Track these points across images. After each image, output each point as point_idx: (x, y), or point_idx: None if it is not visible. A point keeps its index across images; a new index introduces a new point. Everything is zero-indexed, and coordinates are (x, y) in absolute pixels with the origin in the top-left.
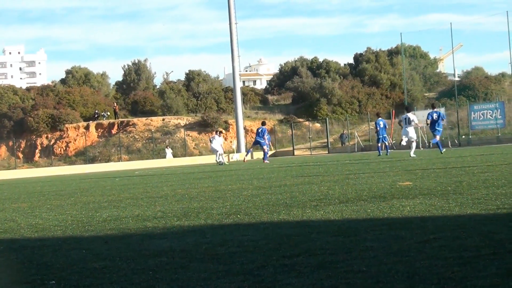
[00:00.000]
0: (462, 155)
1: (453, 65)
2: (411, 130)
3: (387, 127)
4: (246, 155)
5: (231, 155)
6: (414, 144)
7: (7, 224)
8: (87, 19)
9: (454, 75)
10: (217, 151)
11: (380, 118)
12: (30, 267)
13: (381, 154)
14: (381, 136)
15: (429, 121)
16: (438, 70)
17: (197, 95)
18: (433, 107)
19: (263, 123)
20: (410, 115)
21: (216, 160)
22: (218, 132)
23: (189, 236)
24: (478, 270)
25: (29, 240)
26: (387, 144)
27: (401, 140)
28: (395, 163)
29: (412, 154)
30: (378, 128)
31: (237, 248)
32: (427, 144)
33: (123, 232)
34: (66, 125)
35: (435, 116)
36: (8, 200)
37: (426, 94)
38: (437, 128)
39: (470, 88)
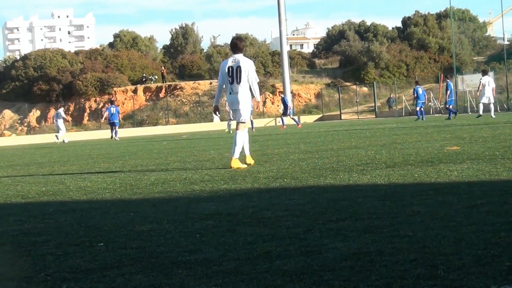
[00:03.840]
0: (511, 120)
1: (502, 28)
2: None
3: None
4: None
5: (277, 119)
6: (492, 106)
7: (57, 186)
8: None
9: (503, 38)
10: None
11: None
12: (78, 229)
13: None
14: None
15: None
16: (487, 34)
17: None
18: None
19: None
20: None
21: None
22: None
23: (236, 200)
24: None
25: (78, 203)
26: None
27: (482, 103)
28: (443, 127)
29: (492, 115)
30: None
31: (283, 212)
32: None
33: (171, 195)
34: (114, 89)
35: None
36: (57, 162)
37: (474, 58)
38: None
39: None
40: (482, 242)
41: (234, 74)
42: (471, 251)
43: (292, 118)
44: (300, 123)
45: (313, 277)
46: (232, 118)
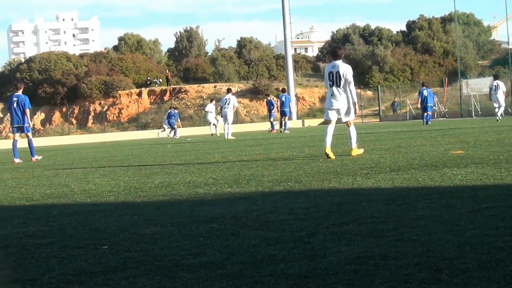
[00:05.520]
0: None
1: (507, 32)
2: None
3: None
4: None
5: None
6: (502, 108)
7: (61, 189)
8: None
9: (508, 43)
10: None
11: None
12: (83, 232)
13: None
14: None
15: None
16: (491, 38)
17: (249, 62)
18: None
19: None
20: (500, 82)
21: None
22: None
23: (240, 203)
24: None
25: (82, 205)
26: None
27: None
28: (447, 131)
29: (499, 116)
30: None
31: (287, 215)
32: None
33: (175, 198)
34: (119, 92)
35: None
36: (61, 165)
37: (479, 62)
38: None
39: None
40: (486, 246)
41: (334, 78)
42: (475, 255)
43: (270, 122)
44: (274, 129)
45: (317, 280)
46: (213, 122)
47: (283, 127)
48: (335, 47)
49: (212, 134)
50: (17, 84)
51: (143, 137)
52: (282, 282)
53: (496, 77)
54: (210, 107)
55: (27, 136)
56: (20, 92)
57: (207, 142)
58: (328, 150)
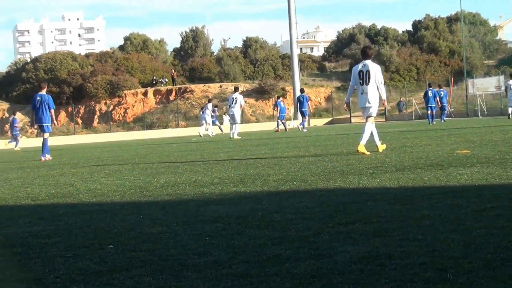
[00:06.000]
0: None
1: None
2: None
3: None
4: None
5: (288, 122)
6: None
7: (66, 189)
8: None
9: None
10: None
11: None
12: (88, 232)
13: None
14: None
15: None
16: (497, 37)
17: (254, 62)
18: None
19: (302, 90)
20: None
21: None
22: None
23: (246, 203)
24: None
25: (88, 205)
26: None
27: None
28: (453, 131)
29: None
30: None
31: (293, 215)
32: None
33: (180, 198)
34: (125, 91)
35: None
36: (67, 165)
37: (485, 62)
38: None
39: None
40: (492, 246)
41: (364, 77)
42: (481, 255)
43: (278, 122)
44: (279, 129)
45: (322, 280)
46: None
47: (301, 126)
48: (366, 47)
49: (203, 135)
50: (41, 84)
51: (148, 137)
52: (288, 281)
53: (511, 76)
54: (210, 107)
55: (43, 135)
56: (43, 92)
57: (213, 141)
58: (380, 147)
